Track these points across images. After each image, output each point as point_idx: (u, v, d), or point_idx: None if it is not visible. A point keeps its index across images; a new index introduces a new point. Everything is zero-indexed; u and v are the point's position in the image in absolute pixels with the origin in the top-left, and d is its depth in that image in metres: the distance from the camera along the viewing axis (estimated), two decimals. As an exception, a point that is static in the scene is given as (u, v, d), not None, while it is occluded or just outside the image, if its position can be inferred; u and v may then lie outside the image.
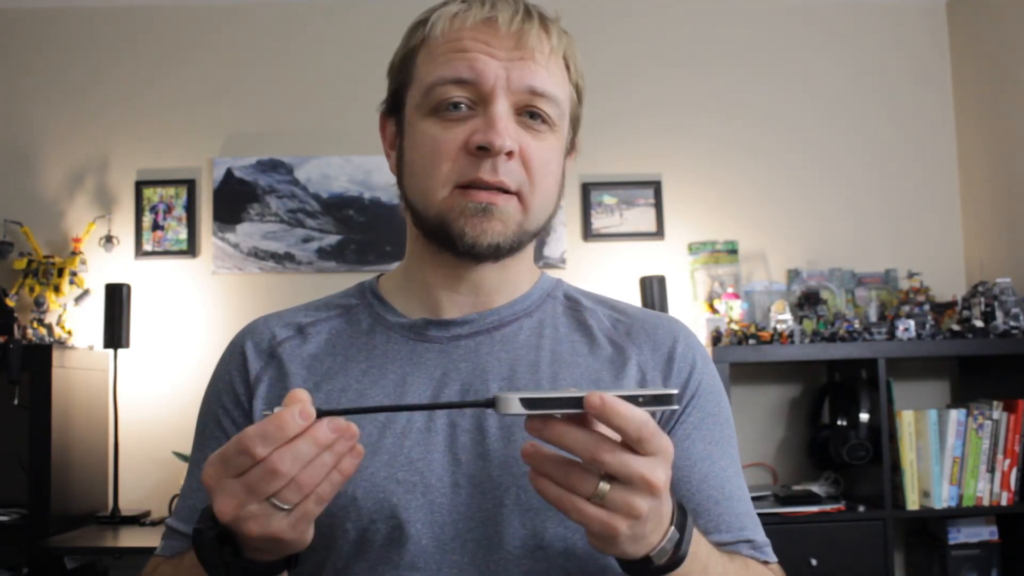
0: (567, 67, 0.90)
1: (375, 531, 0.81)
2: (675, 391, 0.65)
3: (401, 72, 0.91)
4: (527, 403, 0.62)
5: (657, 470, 0.63)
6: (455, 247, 0.85)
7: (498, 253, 0.87)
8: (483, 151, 0.83)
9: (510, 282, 0.93)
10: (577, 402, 0.62)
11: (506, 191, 0.84)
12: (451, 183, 0.84)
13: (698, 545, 0.72)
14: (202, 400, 0.95)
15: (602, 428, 0.64)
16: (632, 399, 0.63)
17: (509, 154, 0.84)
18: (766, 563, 0.87)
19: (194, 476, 0.92)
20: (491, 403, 0.64)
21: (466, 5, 0.87)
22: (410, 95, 0.89)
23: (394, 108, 0.92)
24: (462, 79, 0.84)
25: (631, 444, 0.63)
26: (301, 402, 0.64)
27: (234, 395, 0.91)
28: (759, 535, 0.88)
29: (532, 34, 0.86)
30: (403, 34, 0.92)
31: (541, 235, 0.94)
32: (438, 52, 0.86)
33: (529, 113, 0.86)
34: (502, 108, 0.84)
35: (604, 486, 0.63)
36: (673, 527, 0.68)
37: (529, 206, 0.86)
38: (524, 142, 0.85)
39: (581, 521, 0.64)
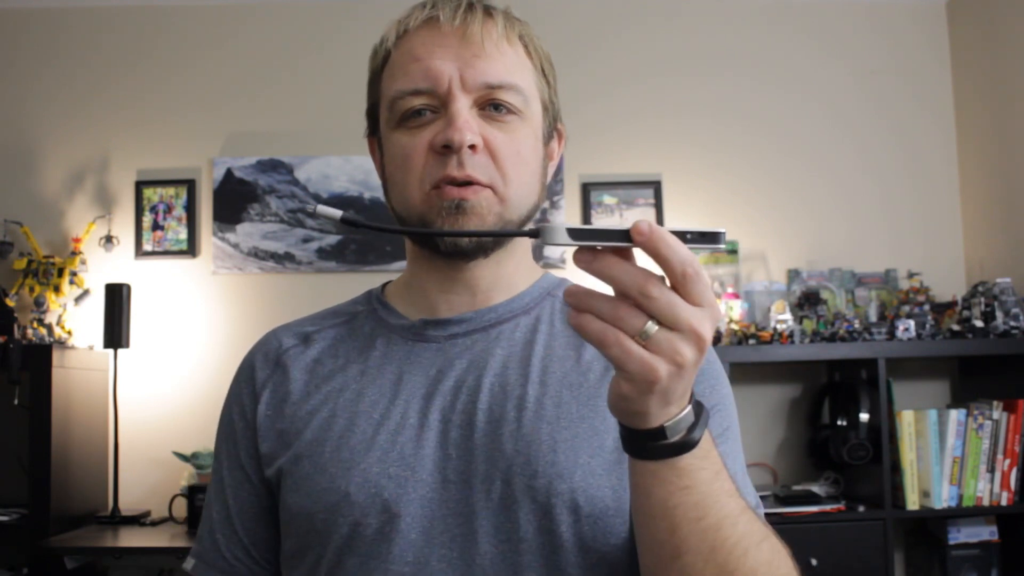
0: (528, 52, 0.91)
1: (367, 526, 0.82)
2: (723, 230, 0.62)
3: (372, 93, 0.94)
4: (573, 233, 0.60)
5: (705, 322, 0.60)
6: (438, 248, 0.87)
7: (482, 247, 0.88)
8: (447, 149, 0.84)
9: (505, 279, 0.93)
10: (624, 235, 0.60)
11: (479, 185, 0.85)
12: (425, 184, 0.86)
13: (711, 450, 0.69)
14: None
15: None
16: (680, 235, 0.60)
17: (473, 148, 0.84)
18: None
19: (212, 492, 0.96)
20: (536, 233, 0.62)
21: (409, 10, 0.90)
22: (381, 113, 0.92)
23: (374, 130, 0.95)
24: (419, 89, 0.86)
25: (676, 284, 0.60)
26: None
27: (241, 407, 0.94)
28: (753, 500, 0.86)
29: (476, 26, 0.87)
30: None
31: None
32: (395, 65, 0.89)
33: (493, 105, 0.87)
34: (460, 105, 0.85)
35: (652, 325, 0.60)
36: (691, 406, 0.66)
37: (505, 197, 0.87)
38: (489, 135, 0.86)
39: (621, 359, 0.61)
